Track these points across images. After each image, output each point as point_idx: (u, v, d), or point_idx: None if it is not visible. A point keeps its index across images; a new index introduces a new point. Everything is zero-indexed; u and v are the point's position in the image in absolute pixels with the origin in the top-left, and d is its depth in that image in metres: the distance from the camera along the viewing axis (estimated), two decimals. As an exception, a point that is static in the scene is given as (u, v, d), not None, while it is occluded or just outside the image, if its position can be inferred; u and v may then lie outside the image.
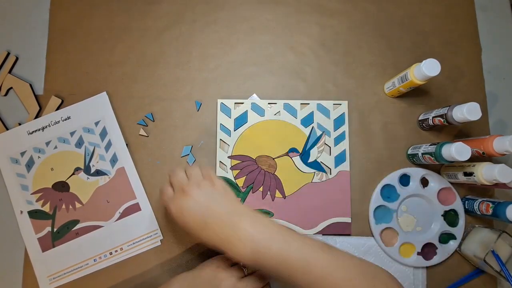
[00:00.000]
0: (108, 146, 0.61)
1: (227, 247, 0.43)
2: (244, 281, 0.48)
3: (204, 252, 0.59)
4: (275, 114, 0.62)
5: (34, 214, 0.59)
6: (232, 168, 0.60)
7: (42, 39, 0.64)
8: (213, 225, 0.44)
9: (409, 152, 0.61)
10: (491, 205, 0.55)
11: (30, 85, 0.62)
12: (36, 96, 0.62)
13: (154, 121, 0.62)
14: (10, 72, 0.63)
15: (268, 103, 0.62)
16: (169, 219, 0.59)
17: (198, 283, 0.49)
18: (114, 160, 0.60)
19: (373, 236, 0.59)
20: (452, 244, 0.59)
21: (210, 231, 0.44)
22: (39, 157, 0.60)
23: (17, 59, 0.64)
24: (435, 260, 0.58)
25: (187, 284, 0.49)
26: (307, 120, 0.62)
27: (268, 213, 0.59)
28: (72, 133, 0.61)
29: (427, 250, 0.59)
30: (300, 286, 0.43)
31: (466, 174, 0.55)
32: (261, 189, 0.60)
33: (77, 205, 0.59)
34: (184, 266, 0.58)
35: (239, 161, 0.60)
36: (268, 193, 0.60)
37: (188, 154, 0.60)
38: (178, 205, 0.46)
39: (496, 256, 0.53)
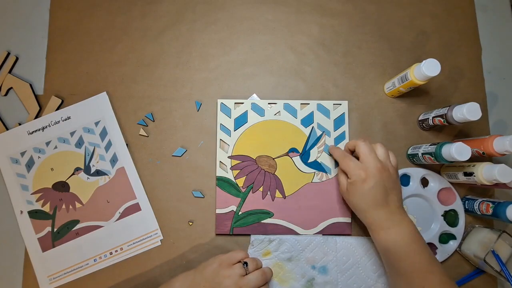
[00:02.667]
0: (108, 146, 0.61)
1: (376, 228, 0.51)
2: (246, 279, 0.48)
3: (204, 252, 0.59)
4: (275, 114, 0.62)
5: (34, 214, 0.59)
6: (232, 168, 0.60)
7: (42, 39, 0.64)
8: (383, 208, 0.50)
9: (409, 152, 0.61)
10: (491, 205, 0.55)
11: (30, 85, 0.62)
12: (36, 96, 0.62)
13: (154, 121, 0.62)
14: (10, 72, 0.63)
15: (268, 103, 0.62)
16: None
17: (199, 282, 0.49)
18: (114, 160, 0.60)
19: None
20: (452, 244, 0.59)
21: (379, 211, 0.51)
22: (39, 157, 0.60)
23: (17, 59, 0.64)
24: (435, 260, 0.58)
25: (188, 283, 0.49)
26: (307, 120, 0.62)
27: (268, 213, 0.59)
28: (72, 133, 0.61)
29: (427, 250, 0.59)
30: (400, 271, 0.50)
31: (466, 174, 0.55)
32: (261, 189, 0.60)
33: (77, 205, 0.59)
34: (184, 266, 0.58)
35: (239, 161, 0.61)
36: (268, 193, 0.60)
37: (181, 156, 0.61)
38: (373, 176, 0.50)
39: (496, 256, 0.53)
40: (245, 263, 0.51)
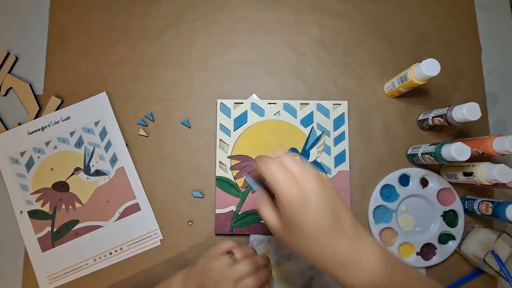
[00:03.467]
0: (108, 146, 0.61)
1: (340, 268, 0.37)
2: (233, 268, 0.47)
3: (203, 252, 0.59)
4: (275, 114, 0.62)
5: (34, 214, 0.59)
6: (232, 168, 0.60)
7: (42, 39, 0.64)
8: (338, 234, 0.37)
9: (409, 152, 0.61)
10: (490, 205, 0.55)
11: (30, 85, 0.62)
12: (36, 96, 0.62)
13: (154, 121, 0.62)
14: (10, 72, 0.63)
15: (268, 103, 0.62)
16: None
17: (192, 277, 0.49)
18: (114, 160, 0.60)
19: (372, 236, 0.59)
20: (451, 245, 0.59)
21: (335, 242, 0.37)
22: (39, 157, 0.60)
23: (17, 59, 0.64)
24: (435, 260, 0.58)
25: (183, 279, 0.50)
26: (307, 120, 0.62)
27: (268, 213, 0.59)
28: (72, 133, 0.61)
29: (426, 250, 0.59)
30: None
31: (465, 174, 0.55)
32: (261, 189, 0.60)
33: (77, 205, 0.59)
34: (184, 266, 0.58)
35: (239, 161, 0.61)
36: (268, 193, 0.60)
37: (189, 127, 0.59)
38: (312, 190, 0.37)
39: (495, 256, 0.53)
40: (232, 252, 0.49)
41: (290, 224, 0.37)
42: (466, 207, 0.59)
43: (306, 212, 0.36)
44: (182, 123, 0.62)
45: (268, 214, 0.40)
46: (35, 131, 0.61)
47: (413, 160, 0.60)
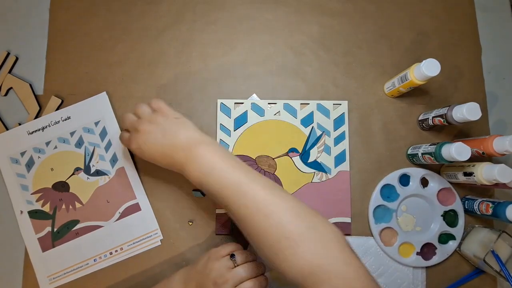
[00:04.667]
0: (108, 146, 0.61)
1: (184, 170, 0.48)
2: (233, 271, 0.47)
3: (204, 252, 0.58)
4: (275, 114, 0.62)
5: (34, 214, 0.59)
6: (232, 168, 0.60)
7: (42, 39, 0.64)
8: (171, 152, 0.48)
9: (409, 152, 0.61)
10: (491, 205, 0.55)
11: (30, 85, 0.62)
12: (36, 96, 0.62)
13: (154, 121, 0.62)
14: (10, 72, 0.63)
15: (268, 103, 0.62)
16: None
17: (192, 275, 0.49)
18: (114, 160, 0.60)
19: (372, 236, 0.59)
20: (451, 245, 0.59)
21: (169, 159, 0.48)
22: (39, 157, 0.60)
23: (17, 59, 0.64)
24: (435, 260, 0.58)
25: (184, 277, 0.50)
26: (307, 120, 0.62)
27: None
28: (72, 133, 0.61)
29: (427, 250, 0.59)
30: (237, 217, 0.45)
31: (466, 174, 0.55)
32: (261, 189, 0.60)
33: (77, 205, 0.59)
34: (184, 266, 0.58)
35: (239, 161, 0.60)
36: (268, 193, 0.60)
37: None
38: (136, 144, 0.50)
39: (496, 256, 0.53)
40: (233, 255, 0.50)
41: (138, 147, 0.50)
42: (466, 207, 0.59)
43: (144, 154, 0.50)
44: None
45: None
46: (35, 131, 0.61)
47: (413, 160, 0.60)
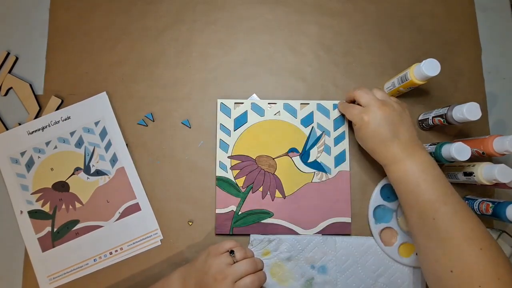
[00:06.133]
0: (108, 146, 0.61)
1: (390, 163, 0.52)
2: (232, 268, 0.48)
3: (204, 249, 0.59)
4: (275, 114, 0.62)
5: (34, 214, 0.59)
6: (232, 168, 0.60)
7: (42, 39, 0.64)
8: (394, 142, 0.51)
9: (409, 152, 0.61)
10: (491, 205, 0.55)
11: (30, 85, 0.62)
12: (36, 96, 0.62)
13: (154, 121, 0.62)
14: (10, 72, 0.63)
15: (268, 103, 0.62)
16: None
17: (192, 272, 0.49)
18: (114, 160, 0.60)
19: (372, 236, 0.59)
20: (452, 244, 0.59)
21: (390, 147, 0.51)
22: (39, 157, 0.60)
23: (17, 59, 0.64)
24: (435, 260, 0.58)
25: (183, 275, 0.50)
26: (307, 120, 0.62)
27: (268, 213, 0.59)
28: (72, 133, 0.61)
29: (427, 250, 0.59)
30: (431, 235, 0.48)
31: (466, 174, 0.55)
32: (261, 189, 0.60)
33: (77, 205, 0.59)
34: (184, 266, 0.58)
35: (239, 161, 0.61)
36: (268, 193, 0.60)
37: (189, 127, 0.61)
38: (371, 116, 0.52)
39: (496, 256, 0.53)
40: (232, 252, 0.50)
41: (361, 136, 0.54)
42: (466, 207, 0.59)
43: (368, 127, 0.52)
44: (182, 123, 0.62)
45: (354, 128, 0.56)
46: (35, 131, 0.61)
47: (413, 160, 0.60)
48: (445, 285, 0.46)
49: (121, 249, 0.59)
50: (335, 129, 0.62)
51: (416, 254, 0.57)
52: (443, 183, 0.49)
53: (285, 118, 0.62)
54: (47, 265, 0.58)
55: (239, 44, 0.65)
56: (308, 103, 0.62)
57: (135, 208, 0.59)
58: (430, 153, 0.55)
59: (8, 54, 0.63)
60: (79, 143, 0.61)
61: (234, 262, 0.49)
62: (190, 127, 0.62)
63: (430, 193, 0.48)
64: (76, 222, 0.59)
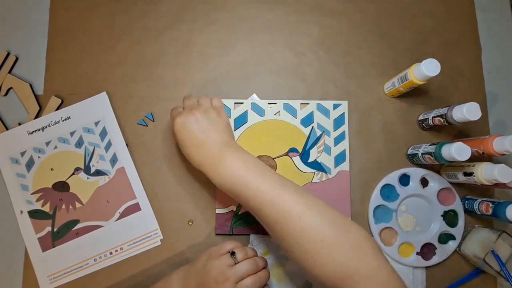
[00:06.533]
0: (108, 146, 0.61)
1: (211, 171, 0.50)
2: (233, 269, 0.48)
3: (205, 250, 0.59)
4: (275, 114, 0.62)
5: (34, 214, 0.59)
6: (232, 168, 0.60)
7: (42, 39, 0.64)
8: (206, 147, 0.50)
9: (409, 152, 0.61)
10: (491, 205, 0.55)
11: (30, 85, 0.62)
12: (36, 96, 0.62)
13: (154, 121, 0.62)
14: (10, 72, 0.63)
15: (268, 103, 0.62)
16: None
17: (192, 274, 0.49)
18: (114, 160, 0.60)
19: (372, 235, 0.59)
20: (451, 245, 0.59)
21: (201, 152, 0.51)
22: (39, 157, 0.60)
23: (17, 59, 0.64)
24: (435, 260, 0.58)
25: (183, 276, 0.50)
26: (307, 120, 0.62)
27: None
28: (72, 133, 0.61)
29: (426, 250, 0.59)
30: (269, 224, 0.46)
31: (466, 174, 0.55)
32: (261, 189, 0.60)
33: (77, 205, 0.59)
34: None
35: (239, 161, 0.60)
36: (268, 193, 0.60)
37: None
38: (182, 119, 0.51)
39: (496, 256, 0.53)
40: (233, 253, 0.50)
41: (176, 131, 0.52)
42: (466, 207, 0.59)
43: (181, 133, 0.51)
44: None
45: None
46: (35, 131, 0.61)
47: (413, 160, 0.60)
48: (308, 269, 0.44)
49: (121, 249, 0.59)
50: (335, 129, 0.62)
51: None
52: (272, 173, 0.49)
53: (285, 118, 0.62)
54: (47, 265, 0.58)
55: (239, 44, 0.65)
56: (308, 103, 0.62)
57: (135, 208, 0.59)
58: (430, 153, 0.55)
59: (8, 54, 0.63)
60: (79, 143, 0.61)
61: (235, 263, 0.48)
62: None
63: (266, 191, 0.46)
64: (76, 222, 0.59)
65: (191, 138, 0.51)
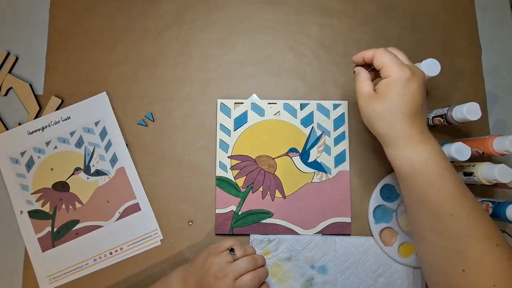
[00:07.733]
0: (108, 146, 0.61)
1: (397, 146, 0.45)
2: (233, 265, 0.48)
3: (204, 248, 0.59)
4: (275, 114, 0.62)
5: (34, 214, 0.59)
6: (232, 168, 0.60)
7: (42, 39, 0.64)
8: (417, 119, 0.45)
9: (409, 152, 0.61)
10: (491, 205, 0.55)
11: (30, 85, 0.62)
12: (36, 96, 0.62)
13: (154, 121, 0.62)
14: (10, 72, 0.63)
15: (268, 103, 0.62)
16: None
17: (191, 271, 0.50)
18: (114, 160, 0.60)
19: (372, 236, 0.59)
20: (452, 244, 0.59)
21: (414, 123, 0.44)
22: (39, 157, 0.60)
23: (17, 59, 0.64)
24: (435, 260, 0.58)
25: (183, 274, 0.50)
26: (307, 120, 0.62)
27: (268, 213, 0.59)
28: (72, 133, 0.61)
29: (427, 250, 0.59)
30: (423, 213, 0.45)
31: (466, 174, 0.55)
32: (261, 189, 0.60)
33: (77, 205, 0.59)
34: (184, 266, 0.58)
35: (239, 161, 0.61)
36: (268, 193, 0.60)
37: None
38: (417, 77, 0.45)
39: (495, 256, 0.53)
40: (233, 250, 0.50)
41: (387, 92, 0.44)
42: (466, 207, 0.59)
43: (407, 86, 0.44)
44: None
45: (365, 86, 0.48)
46: (35, 131, 0.61)
47: (413, 160, 0.60)
48: (455, 284, 0.43)
49: (121, 249, 0.59)
50: (335, 129, 0.62)
51: (416, 254, 0.56)
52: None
53: (285, 118, 0.62)
54: (47, 265, 0.58)
55: (239, 44, 0.65)
56: (308, 103, 0.62)
57: (135, 208, 0.59)
58: (430, 153, 0.55)
59: (8, 54, 0.63)
60: (79, 143, 0.61)
61: (234, 260, 0.49)
62: (190, 127, 0.62)
63: (451, 185, 0.43)
64: (76, 222, 0.59)
65: (412, 104, 0.44)
